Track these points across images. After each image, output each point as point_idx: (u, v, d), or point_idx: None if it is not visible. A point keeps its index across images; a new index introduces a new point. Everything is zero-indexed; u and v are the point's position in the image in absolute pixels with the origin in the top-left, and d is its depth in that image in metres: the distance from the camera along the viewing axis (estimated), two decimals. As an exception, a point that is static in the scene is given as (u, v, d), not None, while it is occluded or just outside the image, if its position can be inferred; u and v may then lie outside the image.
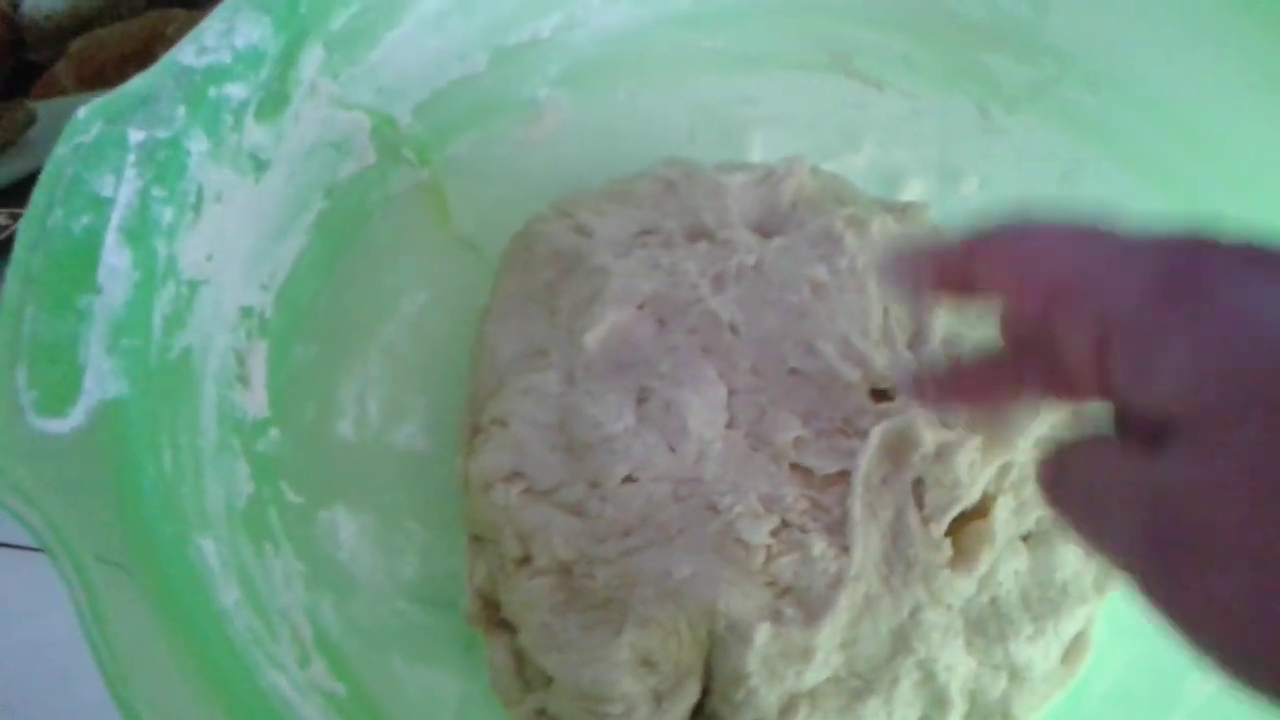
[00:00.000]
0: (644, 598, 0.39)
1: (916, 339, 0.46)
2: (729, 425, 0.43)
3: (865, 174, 0.55)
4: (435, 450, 0.47)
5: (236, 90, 0.40)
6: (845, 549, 0.40)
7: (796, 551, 0.40)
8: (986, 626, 0.41)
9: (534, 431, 0.44)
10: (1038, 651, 0.42)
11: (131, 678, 0.29)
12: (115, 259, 0.36)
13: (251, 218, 0.42)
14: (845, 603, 0.39)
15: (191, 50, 0.40)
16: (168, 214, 0.38)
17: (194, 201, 0.39)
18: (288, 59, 0.42)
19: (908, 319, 0.47)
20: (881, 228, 0.48)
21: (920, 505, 0.41)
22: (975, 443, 0.41)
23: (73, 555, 0.30)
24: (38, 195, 0.36)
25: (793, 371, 0.44)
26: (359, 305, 0.48)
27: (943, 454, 0.41)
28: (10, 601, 0.50)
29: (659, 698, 0.38)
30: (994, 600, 0.42)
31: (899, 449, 0.42)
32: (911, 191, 0.56)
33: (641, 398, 0.44)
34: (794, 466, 0.42)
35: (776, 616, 0.38)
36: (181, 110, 0.39)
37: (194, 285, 0.39)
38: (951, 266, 0.31)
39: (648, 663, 0.38)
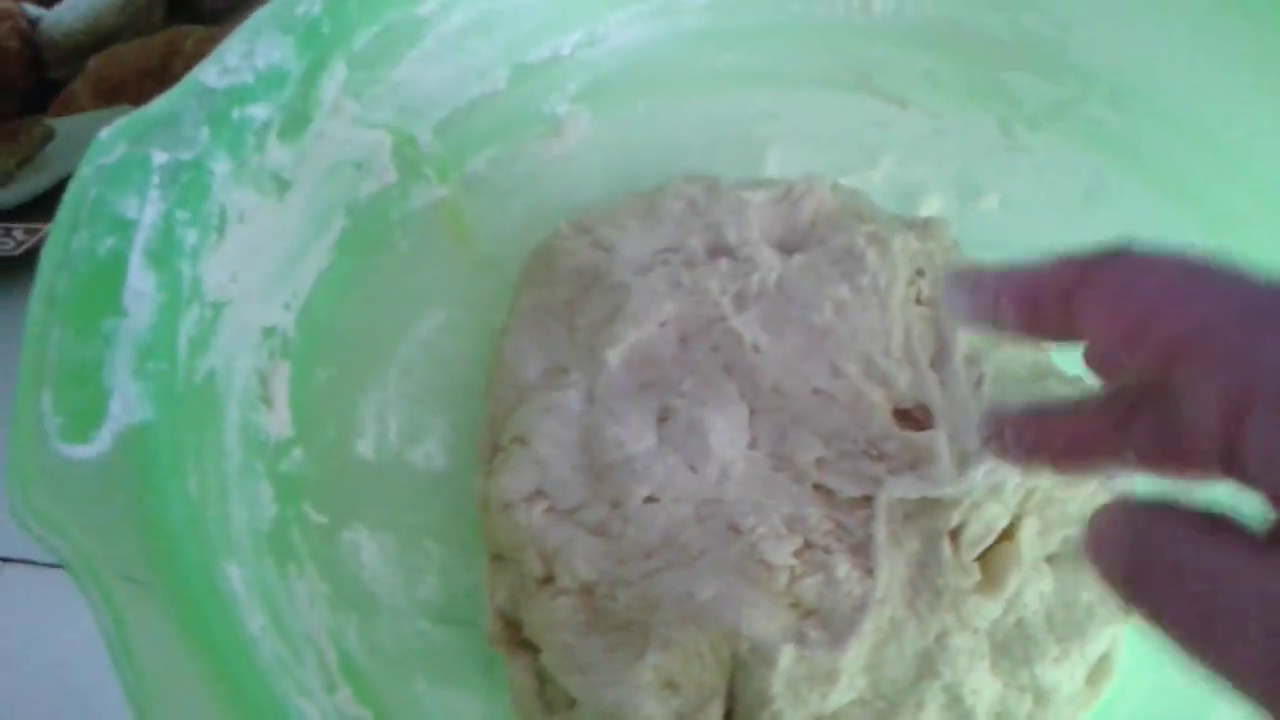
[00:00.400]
0: (666, 619, 0.39)
1: (939, 357, 0.46)
2: (751, 445, 0.43)
3: (883, 189, 0.55)
4: (454, 469, 0.47)
5: (259, 111, 0.41)
6: (870, 571, 0.39)
7: (821, 573, 0.40)
8: (1012, 649, 0.41)
9: (556, 450, 0.44)
10: (1063, 673, 0.41)
11: (158, 705, 0.29)
12: (140, 282, 0.36)
13: (274, 238, 0.42)
14: (870, 626, 0.39)
15: (214, 71, 0.40)
16: (192, 236, 0.38)
17: (217, 223, 0.39)
18: (310, 79, 0.43)
19: (930, 337, 0.46)
20: (903, 245, 0.48)
21: (954, 538, 0.41)
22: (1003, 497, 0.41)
23: (99, 580, 0.30)
24: (61, 216, 0.36)
25: (815, 391, 0.44)
26: (379, 323, 0.48)
27: (978, 504, 0.41)
28: (33, 619, 0.50)
29: (682, 720, 0.38)
30: (1020, 622, 0.41)
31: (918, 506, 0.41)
32: (929, 207, 0.56)
33: (663, 417, 0.44)
34: (817, 487, 0.42)
35: (800, 638, 0.38)
36: (205, 131, 0.39)
37: (218, 307, 0.39)
38: (1044, 306, 0.27)
39: (671, 685, 0.38)
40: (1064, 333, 0.27)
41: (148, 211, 0.37)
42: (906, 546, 0.40)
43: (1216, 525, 0.23)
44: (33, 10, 0.72)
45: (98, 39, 0.66)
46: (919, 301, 0.48)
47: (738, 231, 0.49)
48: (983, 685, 0.40)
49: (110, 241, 0.36)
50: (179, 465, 0.34)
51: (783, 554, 0.40)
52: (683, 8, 0.54)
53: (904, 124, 0.56)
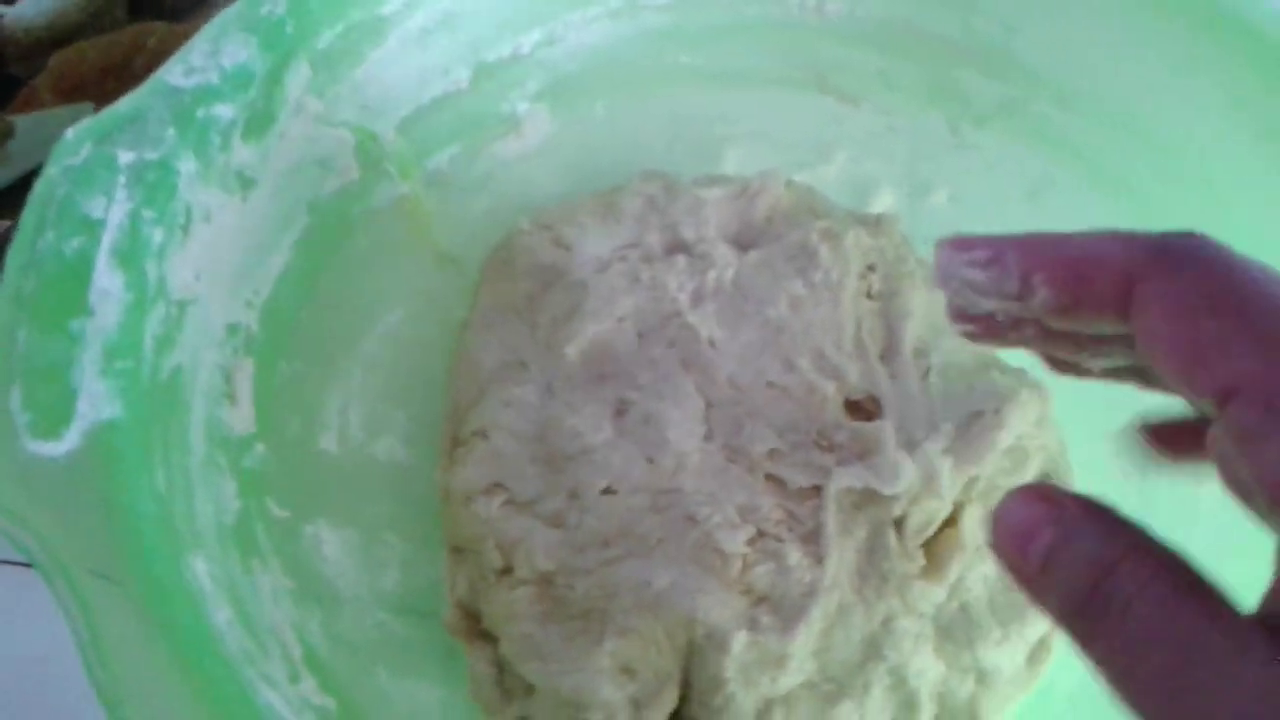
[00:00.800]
0: (624, 607, 0.39)
1: (888, 350, 0.47)
2: (706, 438, 0.44)
3: (836, 186, 0.56)
4: (415, 462, 0.48)
5: (224, 110, 0.41)
6: (819, 559, 0.40)
7: (772, 561, 0.41)
8: (955, 632, 0.42)
9: (514, 443, 0.44)
10: (1004, 655, 0.42)
11: (128, 699, 0.29)
12: (107, 281, 0.36)
13: (238, 236, 0.42)
14: (819, 612, 0.40)
15: (179, 70, 0.40)
16: (158, 235, 0.38)
17: (183, 222, 0.39)
18: (274, 78, 0.43)
19: (880, 330, 0.48)
20: (855, 241, 0.49)
21: (898, 527, 0.42)
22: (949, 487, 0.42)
23: (67, 575, 0.30)
24: (27, 217, 0.36)
25: (769, 385, 0.45)
26: (341, 319, 0.48)
27: (918, 498, 0.42)
28: (2, 617, 0.50)
29: (638, 705, 0.39)
30: (963, 606, 0.42)
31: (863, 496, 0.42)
32: (881, 203, 0.57)
33: (620, 410, 0.45)
34: (769, 478, 0.43)
35: (753, 624, 0.39)
36: (170, 131, 0.39)
37: (183, 305, 0.39)
38: (1097, 286, 0.23)
39: (627, 671, 0.39)
40: (1105, 319, 0.23)
41: (114, 211, 0.37)
42: (855, 534, 0.41)
43: (1201, 591, 0.21)
44: (-7, 6, 0.71)
45: (60, 35, 0.66)
46: (870, 296, 0.49)
47: (695, 229, 0.50)
48: (927, 667, 0.41)
49: (77, 242, 0.36)
50: (146, 461, 0.35)
51: (736, 543, 0.41)
52: (641, 8, 0.55)
53: (857, 122, 0.57)
